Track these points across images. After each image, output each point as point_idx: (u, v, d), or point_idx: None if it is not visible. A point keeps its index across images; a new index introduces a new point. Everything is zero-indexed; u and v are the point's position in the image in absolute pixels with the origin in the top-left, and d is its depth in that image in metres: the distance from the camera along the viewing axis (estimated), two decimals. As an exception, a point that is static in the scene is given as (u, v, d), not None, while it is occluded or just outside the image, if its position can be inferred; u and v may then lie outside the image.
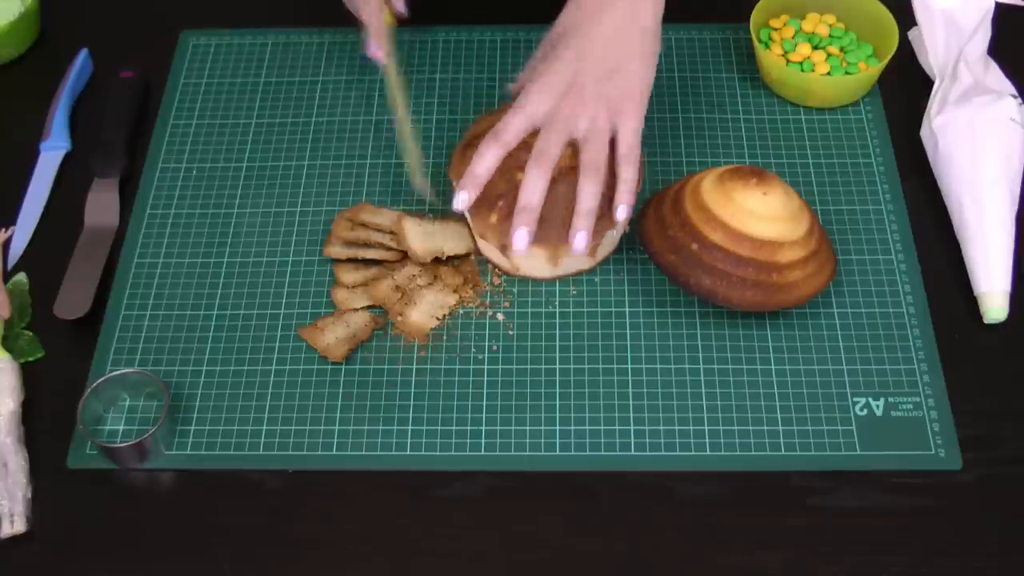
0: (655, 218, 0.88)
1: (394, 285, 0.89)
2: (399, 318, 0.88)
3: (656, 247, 0.86)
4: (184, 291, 0.92)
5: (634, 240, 0.93)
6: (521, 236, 0.83)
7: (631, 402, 0.84)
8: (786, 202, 0.85)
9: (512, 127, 0.84)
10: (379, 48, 0.95)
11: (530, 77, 0.88)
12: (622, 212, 0.84)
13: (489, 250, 0.90)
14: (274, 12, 1.12)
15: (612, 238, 0.90)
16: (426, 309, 0.88)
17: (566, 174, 0.85)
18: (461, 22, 1.10)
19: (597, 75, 0.85)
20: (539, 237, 0.85)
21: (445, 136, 1.01)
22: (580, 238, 0.83)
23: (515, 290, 0.91)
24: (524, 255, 0.85)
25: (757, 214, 0.84)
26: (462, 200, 0.85)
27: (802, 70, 1.00)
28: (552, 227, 0.85)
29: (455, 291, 0.89)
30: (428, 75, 1.05)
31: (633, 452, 0.82)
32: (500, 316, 0.89)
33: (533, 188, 0.83)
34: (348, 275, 0.91)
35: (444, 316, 0.88)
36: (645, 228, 0.88)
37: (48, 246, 0.95)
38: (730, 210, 0.84)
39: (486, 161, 0.84)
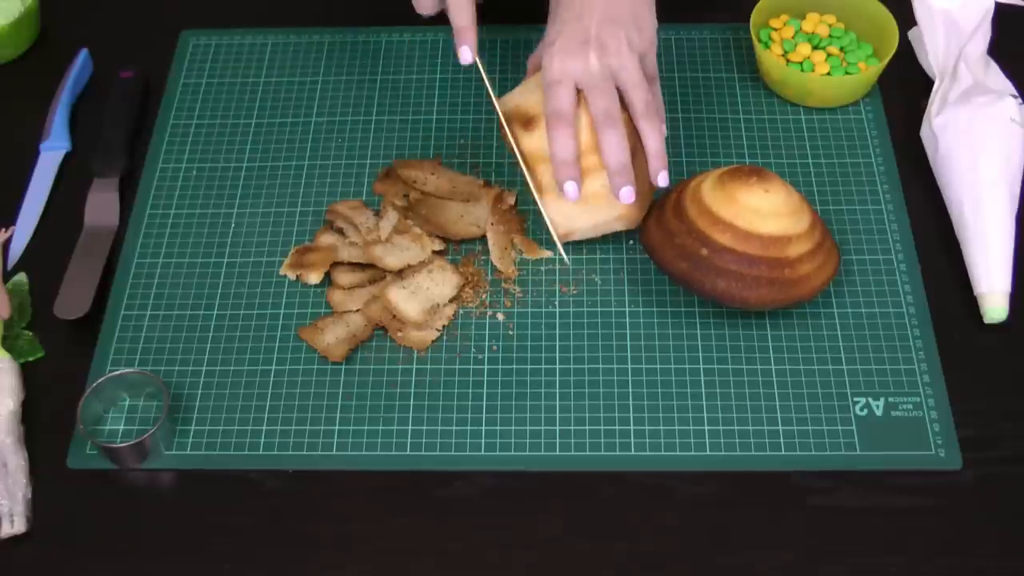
0: (658, 227, 0.88)
1: (385, 303, 0.89)
2: (399, 334, 0.88)
3: (664, 256, 0.86)
4: (184, 291, 0.92)
5: (634, 240, 0.93)
6: (626, 193, 0.85)
7: (631, 402, 0.84)
8: (787, 198, 0.85)
9: (562, 100, 0.85)
10: (472, 50, 0.88)
11: (543, 48, 0.90)
12: (663, 179, 0.87)
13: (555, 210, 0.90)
14: (274, 12, 1.12)
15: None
16: (418, 300, 0.88)
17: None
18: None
19: (610, 23, 0.85)
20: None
21: (444, 136, 1.01)
22: (626, 193, 0.85)
23: (515, 290, 0.91)
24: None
25: (762, 212, 0.84)
26: (573, 190, 0.86)
27: (802, 70, 1.00)
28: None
29: (454, 272, 0.90)
30: (428, 75, 1.06)
31: (633, 452, 0.82)
32: (500, 316, 0.89)
33: (617, 148, 0.85)
34: (344, 276, 0.91)
35: (444, 326, 0.88)
36: (649, 238, 0.88)
37: (48, 246, 0.95)
38: (735, 211, 0.84)
39: (565, 144, 0.85)
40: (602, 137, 0.85)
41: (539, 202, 0.89)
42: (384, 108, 1.03)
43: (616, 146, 0.84)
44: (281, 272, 0.92)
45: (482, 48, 1.07)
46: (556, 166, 0.85)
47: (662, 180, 0.87)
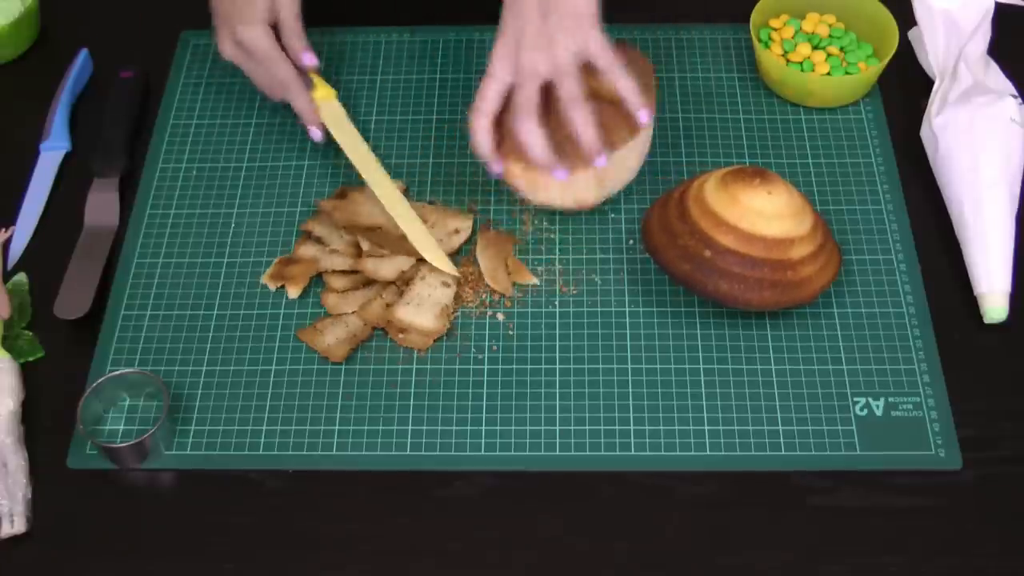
0: (661, 228, 0.87)
1: (384, 304, 0.88)
2: (400, 335, 0.87)
3: (667, 257, 0.86)
4: (184, 291, 0.92)
5: (634, 240, 0.93)
6: (559, 174, 0.88)
7: (631, 402, 0.84)
8: (790, 199, 0.85)
9: (487, 94, 0.88)
10: (319, 130, 0.96)
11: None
12: (644, 116, 0.88)
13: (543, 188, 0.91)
14: (274, 12, 1.12)
15: (646, 138, 0.91)
16: (426, 308, 0.88)
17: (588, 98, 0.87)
18: (461, 22, 1.10)
19: (536, 19, 0.86)
20: (579, 163, 0.88)
21: (445, 136, 1.01)
22: (601, 160, 0.87)
23: (515, 290, 0.91)
24: (573, 183, 0.89)
25: (765, 214, 0.84)
26: (495, 170, 0.89)
27: (802, 70, 1.00)
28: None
29: (447, 285, 0.89)
30: (428, 75, 1.06)
31: (633, 452, 0.82)
32: (500, 316, 0.89)
33: (532, 138, 0.87)
34: (337, 280, 0.90)
35: (451, 315, 0.88)
36: (652, 239, 0.88)
37: (48, 246, 0.95)
38: (738, 212, 0.84)
39: (481, 133, 0.88)
40: (571, 117, 0.86)
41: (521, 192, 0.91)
42: (384, 108, 1.03)
43: (531, 141, 0.87)
44: (262, 281, 0.91)
45: (482, 48, 1.07)
46: (534, 161, 0.87)
47: (600, 161, 0.87)
